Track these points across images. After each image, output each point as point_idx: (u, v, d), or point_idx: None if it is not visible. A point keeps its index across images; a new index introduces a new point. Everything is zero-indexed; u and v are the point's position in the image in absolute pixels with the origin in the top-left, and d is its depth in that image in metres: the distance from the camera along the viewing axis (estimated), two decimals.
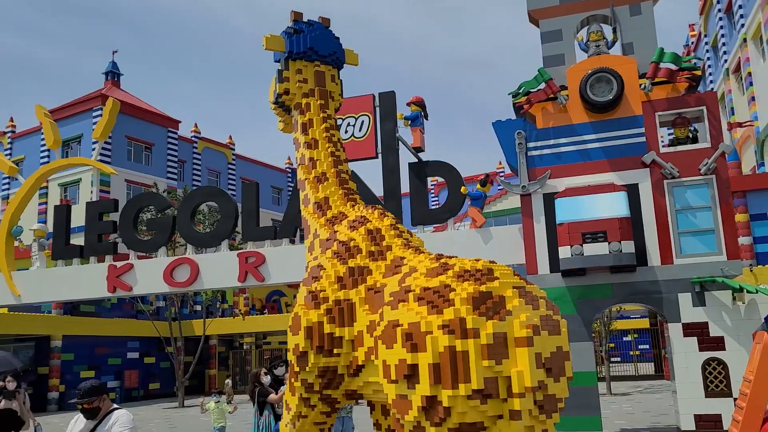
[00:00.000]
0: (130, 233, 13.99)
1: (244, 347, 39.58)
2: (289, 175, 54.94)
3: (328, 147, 4.33)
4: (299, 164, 4.49)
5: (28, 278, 14.57)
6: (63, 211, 14.68)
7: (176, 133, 44.60)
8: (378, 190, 13.23)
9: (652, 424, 13.64)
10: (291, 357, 3.57)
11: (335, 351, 3.24)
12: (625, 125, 11.37)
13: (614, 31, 11.96)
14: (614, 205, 10.85)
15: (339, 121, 13.10)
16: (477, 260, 2.88)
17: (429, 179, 13.48)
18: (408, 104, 12.94)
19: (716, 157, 10.71)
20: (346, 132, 13.07)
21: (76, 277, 14.16)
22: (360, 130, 13.01)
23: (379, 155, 12.90)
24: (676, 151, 11.09)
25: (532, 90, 11.71)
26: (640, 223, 10.99)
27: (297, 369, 3.46)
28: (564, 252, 10.90)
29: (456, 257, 3.12)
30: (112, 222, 14.32)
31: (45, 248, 14.71)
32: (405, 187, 12.70)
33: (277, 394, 7.77)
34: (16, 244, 14.83)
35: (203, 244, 13.85)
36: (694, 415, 10.34)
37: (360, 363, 3.15)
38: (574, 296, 11.17)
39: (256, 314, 40.66)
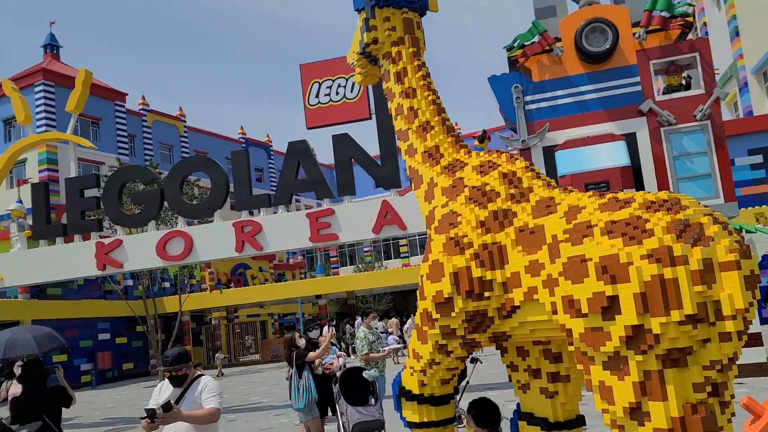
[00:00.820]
0: (115, 208, 13.50)
1: (212, 322, 39.26)
2: (243, 145, 53.83)
3: (428, 95, 4.22)
4: (395, 114, 4.37)
5: (10, 260, 13.94)
6: (41, 189, 14.04)
7: (124, 107, 42.95)
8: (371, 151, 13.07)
9: None
10: (425, 305, 3.53)
11: (486, 294, 3.24)
12: (621, 75, 11.50)
13: None
14: (614, 155, 11.04)
15: (329, 83, 12.88)
16: (655, 194, 2.90)
17: None
18: None
19: (711, 102, 10.97)
20: (337, 93, 12.85)
21: (61, 257, 13.62)
22: (351, 92, 12.80)
23: (373, 116, 12.73)
24: (671, 98, 11.31)
25: (526, 43, 11.70)
26: (640, 171, 11.22)
27: (436, 316, 3.43)
28: None
29: (622, 191, 3.16)
30: (94, 198, 13.79)
31: (24, 228, 14.08)
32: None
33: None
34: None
35: (195, 216, 13.51)
36: None
37: (516, 304, 3.16)
38: None
39: (223, 288, 40.23)
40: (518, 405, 3.83)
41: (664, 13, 11.19)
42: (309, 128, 12.98)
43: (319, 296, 32.72)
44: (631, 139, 11.29)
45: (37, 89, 36.82)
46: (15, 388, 7.38)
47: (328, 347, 7.76)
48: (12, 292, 25.37)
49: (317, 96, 12.92)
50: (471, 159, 3.85)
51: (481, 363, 9.96)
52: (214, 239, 13.11)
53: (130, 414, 15.67)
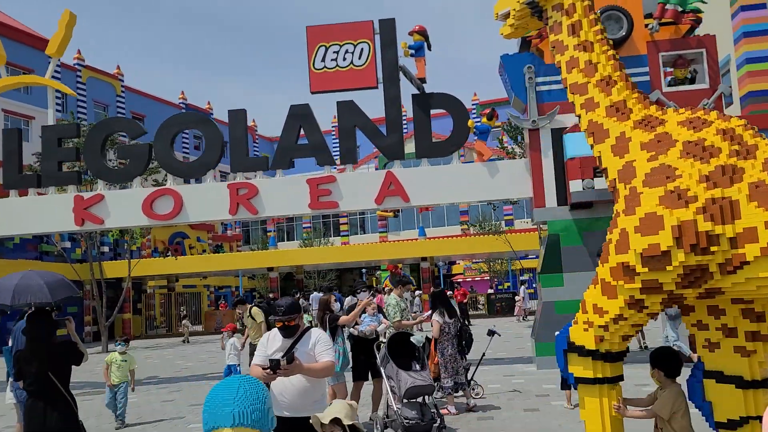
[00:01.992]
0: (97, 161, 12.72)
1: (148, 291, 38.01)
2: (183, 109, 51.93)
3: (607, 50, 4.14)
4: (568, 68, 4.26)
5: None
6: (14, 135, 13.03)
7: (58, 60, 40.33)
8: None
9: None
10: (625, 259, 3.47)
11: (711, 249, 3.22)
12: (630, 64, 11.68)
13: None
14: None
15: (336, 48, 12.55)
16: None
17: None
18: (410, 33, 12.56)
19: (715, 97, 11.39)
20: (345, 59, 12.50)
21: (35, 210, 12.73)
22: (359, 58, 12.48)
23: (380, 85, 12.50)
24: (677, 91, 11.67)
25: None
26: None
27: (642, 270, 3.39)
28: (575, 185, 11.28)
29: None
30: (74, 149, 12.96)
31: None
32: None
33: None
34: None
35: (186, 175, 12.92)
36: None
37: (747, 260, 3.16)
38: (581, 228, 11.65)
39: (159, 256, 38.91)
40: (701, 363, 3.86)
41: (677, 7, 11.51)
42: (313, 92, 12.58)
43: (271, 269, 32.15)
44: None
45: None
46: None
47: (358, 312, 7.60)
48: None
49: (323, 60, 12.55)
50: (668, 115, 3.82)
51: (498, 335, 10.07)
52: (206, 200, 12.60)
53: (91, 378, 14.90)
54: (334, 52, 12.52)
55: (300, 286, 35.43)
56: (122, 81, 46.22)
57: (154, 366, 17.10)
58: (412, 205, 12.37)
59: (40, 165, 12.77)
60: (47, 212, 12.70)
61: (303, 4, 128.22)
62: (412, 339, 7.13)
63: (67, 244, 31.78)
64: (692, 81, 11.89)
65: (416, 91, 12.53)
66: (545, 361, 11.10)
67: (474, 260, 46.67)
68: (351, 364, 7.75)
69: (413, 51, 12.37)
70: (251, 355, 11.75)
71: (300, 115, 12.52)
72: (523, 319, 25.26)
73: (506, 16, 4.88)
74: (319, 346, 4.24)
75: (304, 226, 53.87)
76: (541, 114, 11.81)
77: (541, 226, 12.67)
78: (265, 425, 2.25)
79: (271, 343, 4.36)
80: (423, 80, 12.40)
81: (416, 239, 39.93)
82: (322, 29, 12.60)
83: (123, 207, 12.65)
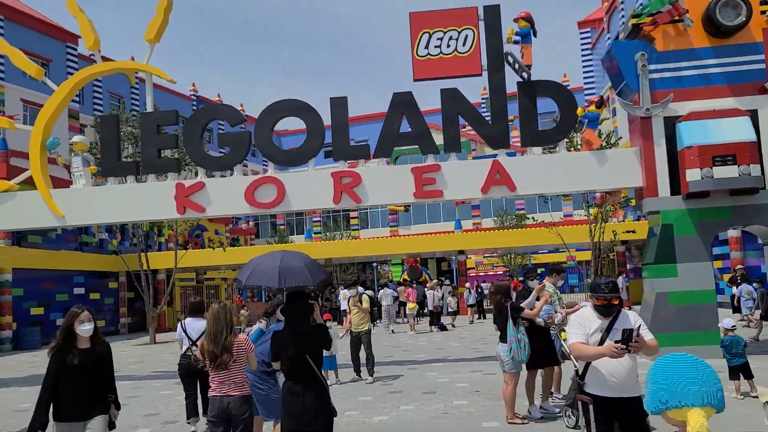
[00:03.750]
0: (197, 149, 12.59)
1: (175, 283, 37.92)
2: (194, 103, 51.73)
3: None
4: None
5: (72, 197, 12.76)
6: (112, 122, 12.89)
7: (76, 50, 39.94)
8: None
9: None
10: None
11: None
12: (746, 51, 11.65)
13: None
14: (740, 130, 11.22)
15: (440, 34, 12.41)
16: None
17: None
18: (515, 20, 12.42)
19: None
20: (449, 46, 12.38)
21: (135, 197, 12.60)
22: (464, 45, 12.36)
23: (485, 72, 12.38)
24: None
25: (656, 11, 11.64)
26: (759, 148, 11.45)
27: None
28: (692, 174, 11.18)
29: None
30: (173, 136, 12.82)
31: (90, 164, 12.89)
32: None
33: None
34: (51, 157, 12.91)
35: (287, 163, 12.81)
36: None
37: None
38: (695, 218, 11.56)
39: (181, 249, 38.89)
40: None
41: None
42: (416, 80, 12.45)
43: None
44: (753, 116, 11.49)
45: None
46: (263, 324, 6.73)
47: (540, 302, 7.50)
48: None
49: (426, 47, 12.42)
50: None
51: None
52: (309, 188, 12.49)
53: (166, 368, 14.78)
54: (437, 38, 12.39)
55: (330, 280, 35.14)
56: (136, 73, 45.70)
57: None
58: (519, 194, 12.25)
59: (141, 152, 12.61)
60: (148, 200, 12.57)
61: None
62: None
63: (105, 236, 31.62)
64: None
65: (519, 79, 12.40)
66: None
67: (485, 255, 46.55)
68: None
69: (519, 37, 12.23)
70: (355, 344, 11.59)
71: (403, 104, 12.40)
72: None
73: None
74: (642, 327, 4.17)
75: (314, 219, 53.84)
76: (654, 102, 11.69)
77: (647, 216, 12.52)
78: (722, 406, 2.24)
79: (587, 322, 4.29)
80: (529, 67, 12.27)
81: (432, 234, 39.93)
82: (426, 15, 12.46)
83: (224, 195, 12.53)
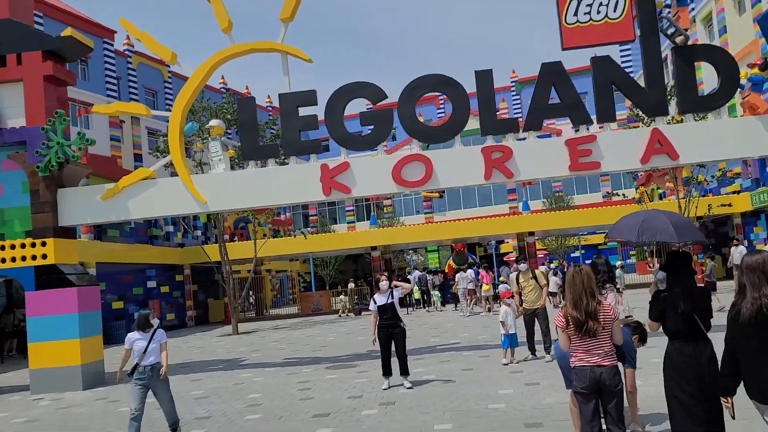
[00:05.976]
0: (339, 128, 12.22)
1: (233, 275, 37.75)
2: (224, 94, 51.33)
3: None
4: None
5: (213, 182, 12.44)
6: (250, 105, 12.54)
7: (113, 45, 39.71)
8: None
9: None
10: None
11: None
12: None
13: None
14: None
15: (589, 1, 11.94)
16: None
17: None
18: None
19: None
20: (599, 12, 11.90)
21: (278, 180, 12.28)
22: (615, 11, 11.87)
23: (637, 38, 11.91)
24: None
25: None
26: None
27: None
28: None
29: None
30: (314, 116, 12.44)
31: (228, 148, 12.56)
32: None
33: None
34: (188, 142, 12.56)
35: (433, 140, 12.39)
36: None
37: None
38: None
39: (228, 240, 38.68)
40: None
41: None
42: (564, 49, 11.98)
43: (374, 248, 31.68)
44: None
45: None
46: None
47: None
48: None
49: (575, 14, 11.97)
50: None
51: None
52: (458, 165, 12.10)
53: (227, 356, 14.50)
54: (587, 5, 11.92)
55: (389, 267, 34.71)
56: (169, 66, 45.38)
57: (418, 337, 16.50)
58: (681, 163, 11.81)
59: (281, 134, 12.25)
60: (292, 183, 12.25)
61: None
62: None
63: (170, 228, 31.45)
64: None
65: (671, 44, 11.92)
66: None
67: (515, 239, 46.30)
68: None
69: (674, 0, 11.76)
70: (529, 324, 11.27)
71: (553, 73, 11.95)
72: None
73: None
74: None
75: (347, 209, 53.58)
76: None
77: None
78: None
79: None
80: (687, 30, 11.79)
81: (463, 219, 39.41)
82: None
83: (370, 174, 12.18)
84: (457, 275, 25.16)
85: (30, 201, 12.47)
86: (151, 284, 28.23)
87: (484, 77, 12.08)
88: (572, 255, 46.07)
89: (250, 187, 12.33)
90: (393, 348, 9.60)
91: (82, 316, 12.24)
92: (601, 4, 11.92)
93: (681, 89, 11.74)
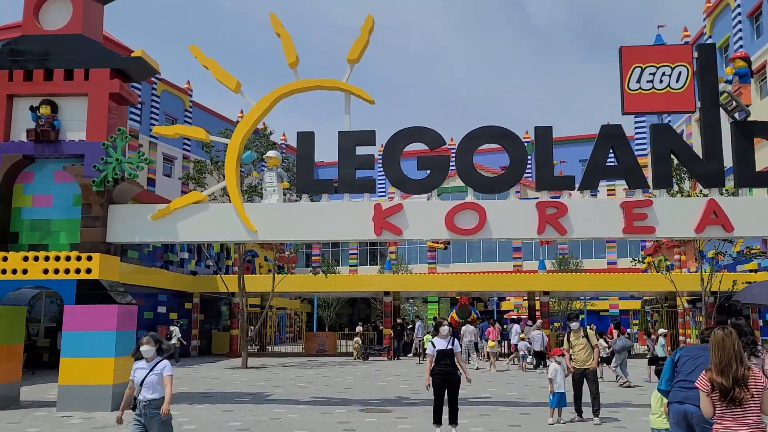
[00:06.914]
0: (395, 170, 12.30)
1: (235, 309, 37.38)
2: (283, 150, 51.76)
3: None
4: None
5: (265, 212, 12.44)
6: (308, 139, 12.64)
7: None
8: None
9: None
10: None
11: None
12: None
13: None
14: None
15: (653, 69, 12.18)
16: None
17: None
18: (731, 59, 12.25)
19: None
20: (661, 82, 12.13)
21: (331, 215, 12.28)
22: (677, 81, 12.10)
23: (698, 110, 12.11)
24: None
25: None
26: None
27: None
28: None
29: None
30: (371, 156, 12.54)
31: (283, 179, 12.60)
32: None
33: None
34: (244, 171, 12.62)
35: (488, 190, 12.44)
36: None
37: None
38: None
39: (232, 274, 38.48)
40: None
41: None
42: (625, 114, 12.20)
43: (387, 293, 31.39)
44: None
45: None
46: None
47: None
48: None
49: (638, 81, 12.20)
50: None
51: None
52: (511, 217, 12.14)
53: (248, 389, 14.24)
54: (650, 73, 12.16)
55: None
56: (191, 96, 45.81)
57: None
58: (735, 235, 11.85)
59: (338, 170, 12.30)
60: (345, 219, 12.25)
61: None
62: None
63: (185, 255, 31.30)
64: None
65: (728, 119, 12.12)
66: None
67: (524, 297, 46.07)
68: None
69: (737, 77, 12.01)
70: (577, 384, 11.07)
71: (612, 136, 12.12)
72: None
73: None
74: None
75: (350, 253, 53.37)
76: None
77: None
78: None
79: None
80: (748, 106, 12.00)
81: (465, 273, 39.31)
82: (638, 50, 12.26)
83: (423, 218, 12.20)
84: (463, 328, 25.12)
85: (81, 214, 12.45)
86: (161, 309, 27.92)
87: (543, 134, 12.23)
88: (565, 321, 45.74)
89: (302, 220, 12.33)
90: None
91: (119, 335, 12.05)
92: (664, 74, 12.16)
93: (738, 163, 11.88)
